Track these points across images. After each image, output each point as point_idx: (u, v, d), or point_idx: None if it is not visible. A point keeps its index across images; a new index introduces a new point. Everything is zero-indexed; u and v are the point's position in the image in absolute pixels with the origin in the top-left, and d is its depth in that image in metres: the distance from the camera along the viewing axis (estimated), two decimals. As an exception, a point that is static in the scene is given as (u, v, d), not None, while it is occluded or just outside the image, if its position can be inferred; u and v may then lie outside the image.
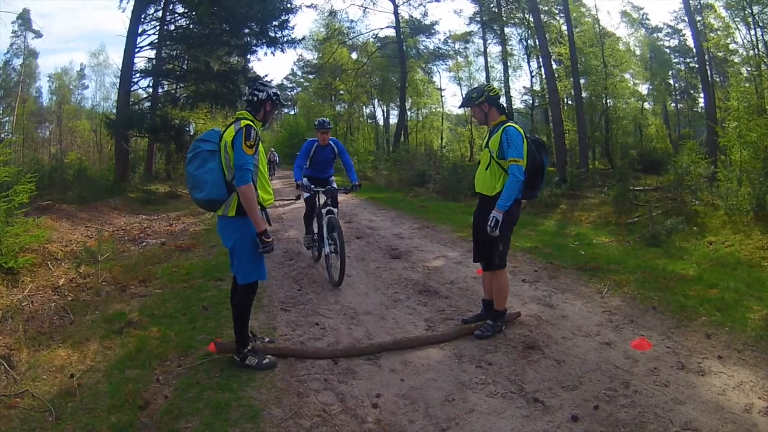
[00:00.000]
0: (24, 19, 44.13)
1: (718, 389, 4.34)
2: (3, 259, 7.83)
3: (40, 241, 9.23)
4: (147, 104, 25.34)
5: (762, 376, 4.52)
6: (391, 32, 42.98)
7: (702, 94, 30.98)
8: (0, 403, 4.34)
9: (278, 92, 5.14)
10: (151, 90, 25.81)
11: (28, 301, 7.22)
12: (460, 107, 6.24)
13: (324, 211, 8.24)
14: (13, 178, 9.20)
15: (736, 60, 29.31)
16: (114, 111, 25.85)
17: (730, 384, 4.42)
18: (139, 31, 23.09)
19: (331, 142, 9.14)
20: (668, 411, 4.03)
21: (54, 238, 10.50)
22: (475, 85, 6.24)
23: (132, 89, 24.32)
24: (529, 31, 38.69)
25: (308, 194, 8.98)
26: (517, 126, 5.61)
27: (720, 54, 30.49)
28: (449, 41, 47.42)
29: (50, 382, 4.75)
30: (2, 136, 18.11)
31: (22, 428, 3.99)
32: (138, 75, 24.08)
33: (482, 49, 44.33)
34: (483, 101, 5.72)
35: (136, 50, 23.06)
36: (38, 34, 46.18)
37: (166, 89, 26.79)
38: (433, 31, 45.58)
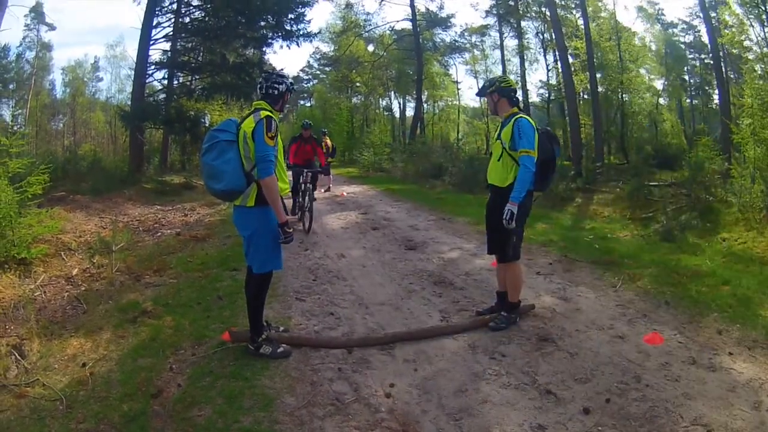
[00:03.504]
0: (37, 13, 44.15)
1: (728, 386, 4.30)
2: (15, 250, 7.87)
3: (54, 232, 9.27)
4: (162, 96, 25.35)
5: (771, 374, 4.46)
6: (408, 25, 42.96)
7: (717, 91, 30.99)
8: (10, 392, 4.33)
9: (292, 80, 5.15)
10: (166, 82, 25.76)
11: (40, 291, 7.24)
12: (476, 95, 6.36)
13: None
14: (26, 169, 9.23)
15: (750, 57, 29.10)
16: (129, 103, 25.91)
17: (740, 381, 4.38)
18: (154, 23, 23.04)
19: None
20: (678, 406, 4.01)
21: (68, 229, 10.54)
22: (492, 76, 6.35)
23: (147, 81, 24.33)
24: (546, 25, 38.65)
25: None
26: (528, 118, 5.59)
27: (734, 51, 30.28)
28: (465, 34, 47.50)
29: (62, 372, 4.75)
30: (15, 128, 18.21)
31: (32, 417, 3.98)
32: (153, 67, 24.08)
33: (499, 43, 44.42)
34: (493, 91, 5.76)
35: (151, 42, 23.05)
36: (51, 27, 46.07)
37: (181, 81, 26.81)
38: (449, 23, 45.85)
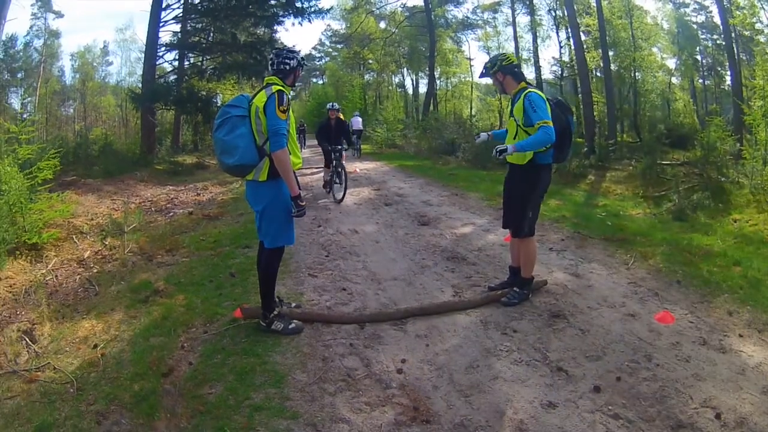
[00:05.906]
0: (44, 1, 44.03)
1: (738, 368, 4.25)
2: (27, 236, 7.88)
3: (65, 216, 9.30)
4: (173, 77, 25.36)
5: (781, 359, 4.40)
6: (419, 1, 43.10)
7: (729, 72, 30.60)
8: (20, 378, 4.32)
9: (303, 56, 5.18)
10: (177, 63, 25.81)
11: (52, 275, 7.24)
12: (479, 77, 6.24)
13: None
14: (36, 155, 9.27)
15: (761, 39, 28.81)
16: (140, 85, 25.91)
17: (750, 364, 4.32)
18: (164, 5, 23.00)
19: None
20: (689, 387, 3.97)
21: (79, 213, 10.58)
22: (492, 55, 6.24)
23: (158, 63, 24.39)
24: (558, 2, 38.25)
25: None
26: (537, 91, 5.46)
27: (746, 33, 29.99)
28: (478, 11, 47.26)
29: (73, 354, 4.74)
30: (25, 116, 18.21)
31: (42, 401, 3.95)
32: (163, 49, 24.12)
33: (511, 19, 44.00)
34: (497, 70, 5.65)
35: (161, 24, 23.04)
36: (59, 14, 46.09)
37: (192, 62, 26.82)
38: (461, 0, 45.42)
